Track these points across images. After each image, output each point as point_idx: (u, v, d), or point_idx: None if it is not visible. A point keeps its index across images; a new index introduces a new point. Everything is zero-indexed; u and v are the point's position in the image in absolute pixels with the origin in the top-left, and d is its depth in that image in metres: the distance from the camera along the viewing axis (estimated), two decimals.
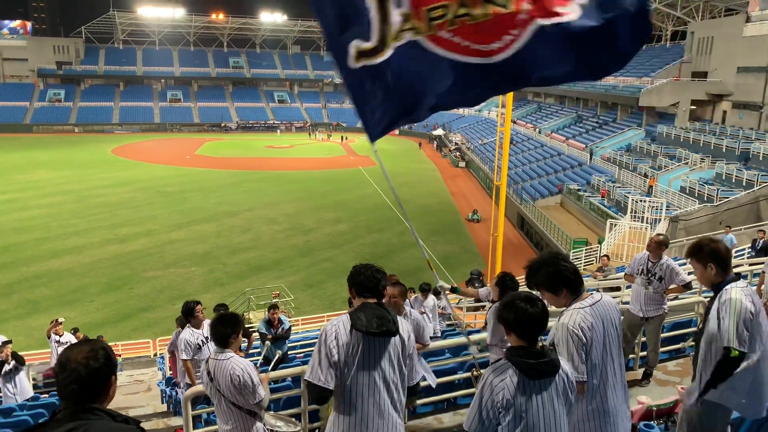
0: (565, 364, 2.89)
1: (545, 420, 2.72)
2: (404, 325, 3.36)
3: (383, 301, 3.38)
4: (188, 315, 6.88)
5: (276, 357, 9.51)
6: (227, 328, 4.36)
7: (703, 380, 3.61)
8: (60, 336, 11.77)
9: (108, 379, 2.24)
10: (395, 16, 3.10)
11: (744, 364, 3.49)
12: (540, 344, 2.81)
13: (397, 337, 3.26)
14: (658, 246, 6.29)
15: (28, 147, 64.59)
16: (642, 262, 6.39)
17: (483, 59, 3.10)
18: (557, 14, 2.96)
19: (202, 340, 6.79)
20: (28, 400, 9.56)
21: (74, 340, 12.30)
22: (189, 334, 6.81)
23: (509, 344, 2.87)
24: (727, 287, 3.63)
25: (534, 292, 3.13)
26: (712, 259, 3.68)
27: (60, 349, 11.57)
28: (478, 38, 3.08)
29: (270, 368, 5.21)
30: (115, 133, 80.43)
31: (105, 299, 23.28)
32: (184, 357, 6.77)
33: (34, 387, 12.40)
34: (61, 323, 12.02)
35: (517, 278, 5.73)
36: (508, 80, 3.25)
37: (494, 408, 2.70)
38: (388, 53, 3.14)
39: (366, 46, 3.16)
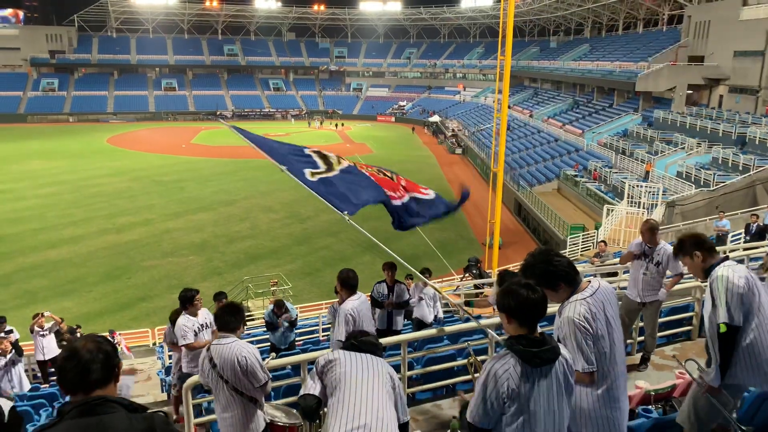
0: (563, 350, 2.90)
1: (548, 406, 2.75)
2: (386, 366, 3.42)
3: None
4: (187, 303, 6.82)
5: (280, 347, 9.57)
6: (235, 317, 4.48)
7: (715, 361, 3.67)
8: (42, 329, 11.80)
9: (117, 364, 2.33)
10: (332, 157, 5.57)
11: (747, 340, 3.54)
12: (539, 332, 2.82)
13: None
14: (651, 232, 6.31)
15: (23, 137, 64.20)
16: (640, 248, 6.40)
17: (393, 200, 5.39)
18: (421, 194, 5.72)
19: (198, 327, 6.78)
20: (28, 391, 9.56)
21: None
22: (186, 320, 6.75)
23: (508, 334, 2.87)
24: (716, 268, 3.69)
25: None
26: (696, 247, 3.82)
27: (44, 341, 11.63)
28: (384, 183, 5.50)
29: (273, 356, 5.31)
30: (110, 123, 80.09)
31: (103, 289, 23.27)
32: (189, 341, 6.68)
33: (34, 377, 12.46)
34: (44, 316, 12.04)
35: (512, 268, 5.75)
36: (405, 216, 5.47)
37: (499, 398, 2.71)
38: (336, 172, 5.41)
39: (318, 171, 5.35)
